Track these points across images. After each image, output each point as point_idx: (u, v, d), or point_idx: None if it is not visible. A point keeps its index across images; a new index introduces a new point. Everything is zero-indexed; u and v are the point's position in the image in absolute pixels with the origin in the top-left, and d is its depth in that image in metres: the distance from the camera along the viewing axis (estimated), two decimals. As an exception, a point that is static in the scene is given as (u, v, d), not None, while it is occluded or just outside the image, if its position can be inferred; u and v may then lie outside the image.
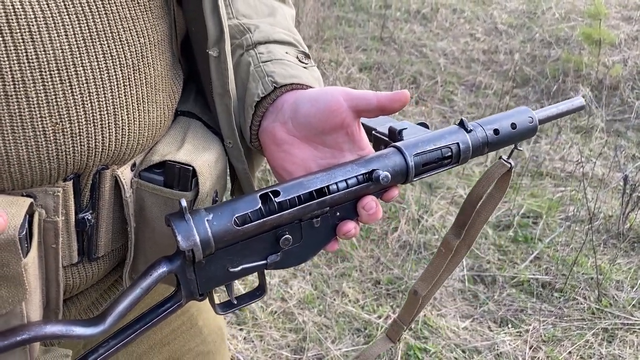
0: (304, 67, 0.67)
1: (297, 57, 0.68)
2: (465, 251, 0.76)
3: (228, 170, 0.70)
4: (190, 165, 0.60)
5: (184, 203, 0.52)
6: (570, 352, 1.98)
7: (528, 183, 2.86)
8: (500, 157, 0.71)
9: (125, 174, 0.59)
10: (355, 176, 0.59)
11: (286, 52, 0.67)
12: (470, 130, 0.65)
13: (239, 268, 0.57)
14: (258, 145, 0.66)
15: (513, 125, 0.68)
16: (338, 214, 0.61)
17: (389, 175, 0.59)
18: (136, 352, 0.78)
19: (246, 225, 0.54)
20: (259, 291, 0.63)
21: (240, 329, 2.02)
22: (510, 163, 0.71)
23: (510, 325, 2.10)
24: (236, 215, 0.54)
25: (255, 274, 0.61)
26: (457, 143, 0.64)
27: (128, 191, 0.60)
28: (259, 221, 0.55)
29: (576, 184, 2.83)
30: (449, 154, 0.64)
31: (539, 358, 1.97)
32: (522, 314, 2.15)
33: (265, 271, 0.63)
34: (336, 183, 0.58)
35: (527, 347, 2.00)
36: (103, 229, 0.61)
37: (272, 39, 0.68)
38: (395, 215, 2.60)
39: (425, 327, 2.06)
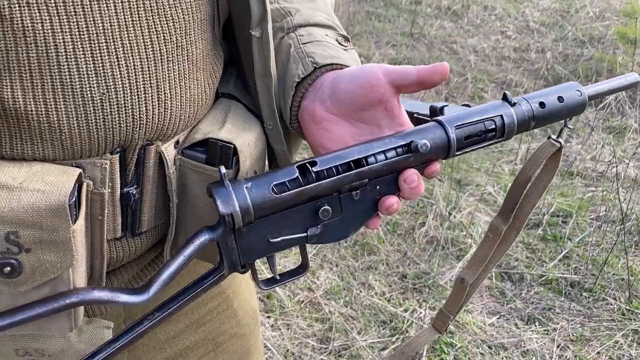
0: (344, 50, 0.68)
1: (337, 40, 0.68)
2: (514, 236, 0.75)
3: (266, 152, 0.72)
4: (231, 143, 0.61)
5: (223, 170, 0.54)
6: (598, 353, 1.96)
7: (558, 182, 2.83)
8: (549, 137, 0.69)
9: (169, 150, 0.61)
10: (394, 148, 0.59)
11: (326, 35, 0.68)
12: (515, 104, 0.63)
13: (279, 239, 0.57)
14: (297, 126, 0.67)
15: (560, 99, 0.65)
16: (378, 187, 0.60)
17: (428, 143, 0.58)
18: (174, 330, 0.80)
19: (284, 194, 0.55)
20: (301, 268, 0.63)
21: (268, 317, 2.04)
22: (559, 142, 0.69)
23: (537, 324, 2.08)
24: (274, 184, 0.55)
25: (298, 250, 0.61)
26: (501, 115, 0.62)
27: (171, 167, 0.62)
28: (297, 190, 0.56)
29: (607, 185, 2.79)
30: (493, 127, 0.62)
31: (567, 357, 1.96)
32: (550, 312, 2.13)
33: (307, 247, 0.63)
34: (374, 155, 0.58)
35: (554, 346, 1.99)
36: (147, 204, 0.63)
37: (313, 22, 0.69)
38: (422, 210, 2.60)
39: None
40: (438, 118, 0.62)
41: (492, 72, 4.03)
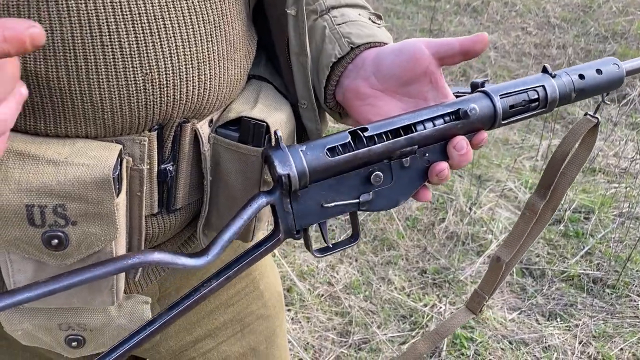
0: (378, 27, 0.68)
1: (370, 19, 0.69)
2: (550, 214, 0.75)
3: (295, 133, 0.73)
4: (264, 122, 0.62)
5: (279, 133, 0.55)
6: (621, 349, 1.94)
7: (580, 178, 2.80)
8: (586, 113, 0.70)
9: (204, 128, 0.62)
10: (442, 115, 0.60)
11: (359, 14, 0.69)
12: (555, 76, 0.65)
13: (333, 204, 0.58)
14: (334, 105, 0.68)
15: (598, 71, 0.66)
16: (427, 155, 0.61)
17: (477, 108, 0.59)
18: (204, 310, 0.81)
19: (338, 157, 0.56)
20: (353, 237, 0.64)
21: (288, 310, 2.05)
22: (597, 118, 0.69)
23: (559, 319, 2.07)
24: (327, 147, 0.56)
25: (349, 219, 0.62)
26: (543, 86, 0.64)
27: (206, 145, 0.63)
28: (350, 153, 0.57)
29: (631, 181, 2.75)
30: (536, 97, 0.63)
31: (589, 353, 1.94)
32: (572, 308, 2.11)
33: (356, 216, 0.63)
34: (423, 121, 0.59)
35: (576, 342, 1.97)
36: (182, 181, 0.64)
37: (345, 2, 0.69)
38: (442, 206, 2.59)
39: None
40: (482, 89, 0.63)
41: (513, 69, 3.99)
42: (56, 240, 0.51)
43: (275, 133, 0.56)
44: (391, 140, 0.58)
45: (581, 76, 0.65)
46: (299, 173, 0.55)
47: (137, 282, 0.69)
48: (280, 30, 0.64)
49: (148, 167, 0.59)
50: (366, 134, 0.58)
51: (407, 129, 0.59)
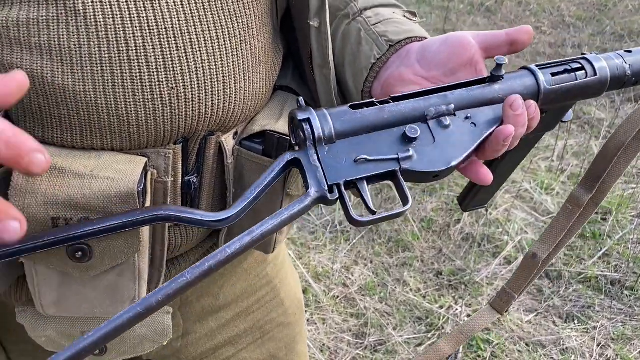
0: (415, 23, 0.68)
1: (405, 16, 0.68)
2: (593, 210, 0.70)
3: None
4: (288, 136, 0.62)
5: (302, 100, 0.54)
6: (640, 352, 1.92)
7: (597, 179, 2.77)
8: None
9: (228, 141, 0.63)
10: (475, 80, 0.58)
11: (393, 12, 0.68)
12: (598, 54, 0.62)
13: (367, 157, 0.53)
14: None
15: None
16: (470, 118, 0.57)
17: (504, 57, 0.57)
18: (225, 318, 0.82)
19: (363, 109, 0.54)
20: (403, 204, 0.56)
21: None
22: None
23: (576, 322, 2.05)
24: (351, 104, 0.55)
25: (394, 187, 0.56)
26: (585, 57, 0.61)
27: (230, 158, 0.63)
28: (375, 107, 0.54)
29: (649, 181, 2.72)
30: (578, 66, 0.60)
31: (607, 356, 1.92)
32: (590, 310, 2.09)
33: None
34: (454, 85, 0.57)
35: (594, 344, 1.95)
36: (205, 192, 0.64)
37: (377, 3, 0.69)
38: (457, 207, 2.58)
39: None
40: (523, 66, 0.61)
41: (527, 68, 3.96)
42: (80, 253, 0.52)
43: (298, 100, 0.54)
44: (422, 98, 0.56)
45: (628, 51, 0.62)
46: (320, 118, 0.52)
47: None
48: (304, 41, 0.65)
49: (172, 179, 0.59)
50: (393, 96, 0.56)
51: (438, 91, 0.57)
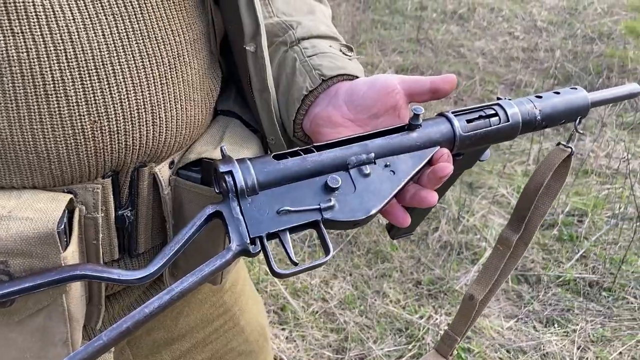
0: (349, 59, 0.68)
1: (341, 50, 0.69)
2: (523, 249, 0.73)
3: None
4: None
5: (225, 149, 0.54)
6: (620, 353, 1.92)
7: (572, 181, 2.79)
8: (559, 143, 0.69)
9: (163, 171, 0.61)
10: (394, 128, 0.60)
11: (330, 46, 0.68)
12: (510, 99, 0.65)
13: (289, 208, 0.54)
14: (302, 135, 0.67)
15: (556, 93, 0.67)
16: (390, 166, 0.59)
17: (421, 107, 0.59)
18: (179, 350, 0.79)
19: (286, 160, 0.55)
20: (325, 254, 0.58)
21: (283, 329, 2.03)
22: (570, 147, 0.68)
23: (556, 325, 2.05)
24: (275, 154, 0.55)
25: (316, 235, 0.57)
26: (498, 104, 0.64)
27: (166, 189, 0.61)
28: (298, 157, 0.55)
29: (623, 181, 2.74)
30: (492, 112, 0.63)
31: (587, 358, 1.92)
32: (569, 313, 2.09)
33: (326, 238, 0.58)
34: (375, 134, 0.59)
35: (574, 347, 1.95)
36: (142, 226, 0.62)
37: (316, 33, 0.69)
38: (435, 215, 2.58)
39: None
40: (440, 113, 0.64)
41: (501, 74, 4.00)
42: None
43: (221, 148, 0.54)
44: (343, 147, 0.57)
45: (538, 96, 0.66)
46: (242, 171, 0.53)
47: (99, 329, 0.67)
48: (243, 65, 0.64)
49: (103, 214, 0.57)
50: (315, 145, 0.57)
51: (359, 139, 0.59)
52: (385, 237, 2.45)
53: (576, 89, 0.68)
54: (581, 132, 0.69)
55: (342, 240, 2.43)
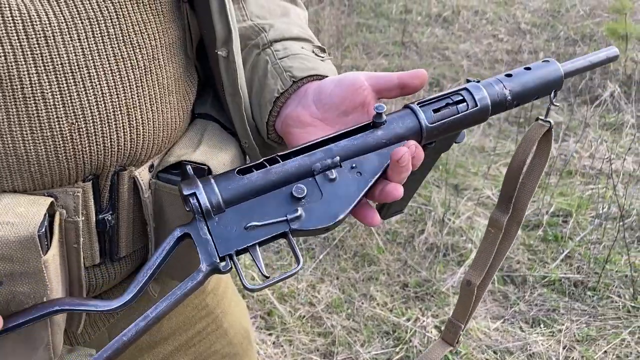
0: (321, 60, 0.68)
1: (313, 51, 0.69)
2: (516, 229, 0.71)
3: None
4: (205, 165, 0.61)
5: (190, 169, 0.55)
6: (605, 352, 1.94)
7: (556, 182, 2.81)
8: (538, 118, 0.68)
9: (143, 175, 0.61)
10: (359, 127, 0.59)
11: (302, 47, 0.68)
12: (479, 81, 0.63)
13: (256, 223, 0.54)
14: (275, 137, 0.67)
15: (527, 68, 0.65)
16: (356, 167, 0.58)
17: (383, 105, 0.58)
18: (162, 353, 0.79)
19: (249, 174, 0.55)
20: (296, 264, 0.58)
21: (270, 334, 2.03)
22: (549, 122, 0.66)
23: (542, 326, 2.06)
24: (238, 169, 0.55)
25: (286, 244, 0.57)
26: (466, 88, 0.62)
27: (146, 192, 0.62)
28: (262, 170, 0.55)
29: (606, 181, 2.77)
30: (460, 98, 0.61)
31: (573, 358, 1.93)
32: (555, 313, 2.11)
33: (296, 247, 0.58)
34: (338, 135, 0.59)
35: (560, 347, 1.96)
36: (123, 229, 0.62)
37: (288, 35, 0.69)
38: (421, 217, 2.59)
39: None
40: (406, 105, 0.62)
41: (485, 76, 4.02)
42: None
43: (182, 164, 0.55)
44: (306, 154, 0.57)
45: (508, 75, 0.64)
46: (206, 191, 0.53)
47: (80, 333, 0.66)
48: (216, 69, 0.64)
49: (84, 218, 0.57)
50: (280, 154, 0.57)
51: (323, 143, 0.58)
52: (372, 240, 2.45)
53: (548, 61, 0.66)
54: (557, 104, 0.68)
55: (329, 244, 2.43)
